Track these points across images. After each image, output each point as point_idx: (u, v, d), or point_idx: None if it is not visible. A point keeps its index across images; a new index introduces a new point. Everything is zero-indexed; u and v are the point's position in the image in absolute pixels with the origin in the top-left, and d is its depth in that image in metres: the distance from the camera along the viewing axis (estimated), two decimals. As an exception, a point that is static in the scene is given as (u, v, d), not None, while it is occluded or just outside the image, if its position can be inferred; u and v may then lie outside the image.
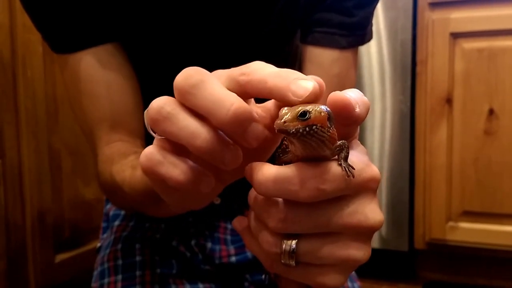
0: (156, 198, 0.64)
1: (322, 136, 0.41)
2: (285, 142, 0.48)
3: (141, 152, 0.79)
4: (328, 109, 0.42)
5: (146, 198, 0.70)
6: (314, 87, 0.42)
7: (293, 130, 0.39)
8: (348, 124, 0.46)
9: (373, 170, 0.47)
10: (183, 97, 0.44)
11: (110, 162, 0.82)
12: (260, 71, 0.44)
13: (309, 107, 0.40)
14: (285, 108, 0.41)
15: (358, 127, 0.49)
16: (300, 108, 0.40)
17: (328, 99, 0.44)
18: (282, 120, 0.40)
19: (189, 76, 0.44)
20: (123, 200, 0.85)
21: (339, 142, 0.43)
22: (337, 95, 0.44)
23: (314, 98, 0.42)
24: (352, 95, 0.45)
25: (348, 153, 0.44)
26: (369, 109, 0.47)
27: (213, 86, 0.43)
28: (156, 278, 0.96)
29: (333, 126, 0.42)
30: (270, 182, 0.44)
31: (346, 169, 0.43)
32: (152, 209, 0.78)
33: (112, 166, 0.81)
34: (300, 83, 0.42)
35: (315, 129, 0.40)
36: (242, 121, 0.42)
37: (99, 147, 0.87)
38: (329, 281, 0.47)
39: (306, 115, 0.39)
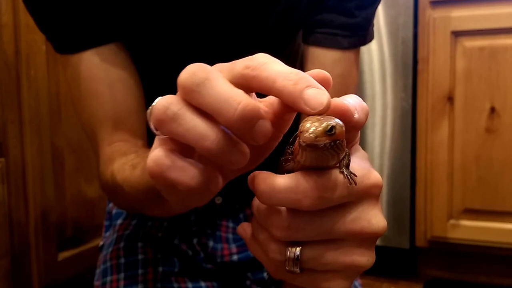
0: (157, 197, 0.65)
1: (340, 150, 0.42)
2: (288, 151, 0.48)
3: (141, 151, 0.79)
4: (342, 122, 0.42)
5: (147, 197, 0.70)
6: (328, 101, 0.41)
7: (322, 145, 0.40)
8: (347, 130, 0.46)
9: (375, 176, 0.47)
10: (188, 96, 0.42)
11: (110, 162, 0.83)
12: (267, 67, 0.43)
13: (332, 122, 0.40)
14: (308, 120, 0.41)
15: (359, 132, 0.50)
16: (326, 124, 0.40)
17: None
18: (314, 135, 0.40)
19: (193, 73, 0.42)
20: (124, 200, 0.86)
21: None
22: (335, 102, 0.44)
23: (327, 110, 0.42)
24: (350, 101, 0.45)
25: (349, 160, 0.45)
26: (368, 114, 0.47)
27: (219, 83, 0.41)
28: (158, 277, 0.96)
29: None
30: (274, 192, 0.44)
31: (348, 176, 0.44)
32: (153, 208, 0.79)
33: (113, 165, 0.82)
34: (314, 95, 0.41)
35: (338, 144, 0.41)
36: (250, 119, 0.40)
37: (101, 147, 0.88)
38: (334, 287, 0.47)
39: (333, 130, 0.40)
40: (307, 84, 0.42)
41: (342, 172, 0.44)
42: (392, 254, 2.46)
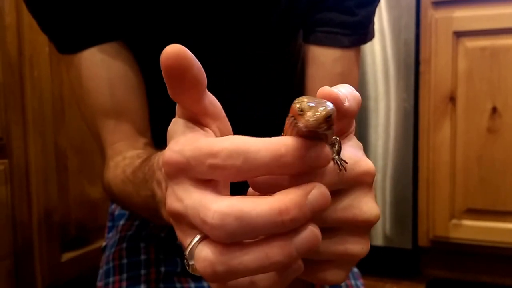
0: (155, 216, 0.66)
1: (332, 134, 0.41)
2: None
3: (134, 156, 0.81)
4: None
5: (146, 212, 0.72)
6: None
7: (321, 131, 0.39)
8: (338, 118, 0.45)
9: (367, 164, 0.46)
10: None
11: (107, 170, 0.85)
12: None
13: (329, 109, 0.39)
14: (303, 102, 0.39)
15: (354, 122, 0.49)
16: (326, 110, 0.38)
17: (317, 94, 0.43)
18: (317, 122, 0.38)
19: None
20: (124, 207, 0.87)
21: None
22: (325, 90, 0.43)
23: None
24: (342, 90, 0.44)
25: (340, 147, 0.44)
26: (360, 103, 0.46)
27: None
28: (160, 277, 0.97)
29: None
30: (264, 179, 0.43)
31: (338, 163, 0.43)
32: (153, 220, 0.80)
33: (108, 175, 0.83)
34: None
35: (331, 129, 0.40)
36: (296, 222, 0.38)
37: (104, 148, 0.89)
38: (330, 277, 0.47)
39: (331, 117, 0.39)
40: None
41: (333, 159, 0.43)
42: (395, 254, 2.46)
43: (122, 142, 0.88)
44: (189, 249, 0.40)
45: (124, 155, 0.83)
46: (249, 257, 0.38)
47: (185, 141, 0.41)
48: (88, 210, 2.14)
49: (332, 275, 0.47)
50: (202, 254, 0.39)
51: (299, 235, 0.38)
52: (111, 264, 1.00)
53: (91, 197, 2.15)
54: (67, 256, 2.05)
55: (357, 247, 0.46)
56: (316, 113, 0.38)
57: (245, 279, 0.40)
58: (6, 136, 1.77)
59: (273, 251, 0.38)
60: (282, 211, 0.37)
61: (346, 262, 0.47)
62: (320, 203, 0.38)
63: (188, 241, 0.41)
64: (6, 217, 1.76)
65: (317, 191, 0.38)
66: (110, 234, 1.11)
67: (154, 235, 1.03)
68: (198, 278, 0.99)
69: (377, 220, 0.47)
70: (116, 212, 1.11)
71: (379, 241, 2.44)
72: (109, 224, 1.14)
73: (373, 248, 2.53)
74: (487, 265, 2.38)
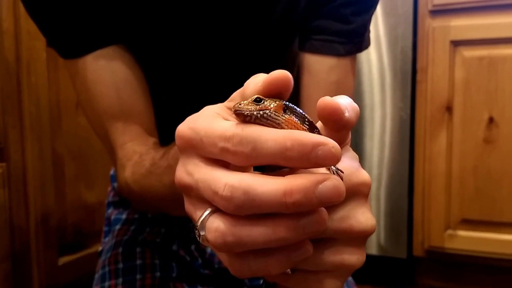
0: (180, 202, 0.67)
1: (276, 119, 0.41)
2: None
3: (154, 153, 0.81)
4: (287, 102, 0.43)
5: (169, 202, 0.72)
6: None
7: (247, 113, 0.40)
8: (338, 129, 0.46)
9: (363, 174, 0.47)
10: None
11: (122, 169, 0.85)
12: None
13: (257, 95, 0.41)
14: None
15: (350, 133, 0.50)
16: (257, 96, 0.41)
17: (317, 104, 0.44)
18: (238, 104, 0.41)
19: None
20: (144, 205, 0.87)
21: None
22: (326, 101, 0.43)
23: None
24: (341, 100, 0.45)
25: None
26: (358, 114, 0.47)
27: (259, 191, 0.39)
28: (156, 282, 0.97)
29: (293, 117, 0.43)
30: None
31: (334, 173, 0.44)
32: (176, 210, 0.80)
33: (124, 173, 0.84)
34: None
35: (269, 113, 0.41)
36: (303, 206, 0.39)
37: (115, 150, 0.89)
38: (326, 287, 0.47)
39: (261, 101, 0.41)
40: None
41: (329, 169, 0.44)
42: (390, 263, 2.46)
43: (132, 142, 0.88)
44: (200, 220, 0.43)
45: (140, 152, 0.84)
46: (257, 231, 0.40)
47: (200, 119, 0.44)
48: (84, 215, 2.15)
49: (329, 285, 0.47)
50: (214, 225, 0.41)
51: (306, 217, 0.40)
52: (107, 269, 1.00)
53: (88, 202, 2.16)
54: (63, 260, 2.05)
55: (353, 257, 0.47)
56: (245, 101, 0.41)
57: (258, 263, 0.42)
58: (3, 140, 1.78)
59: (280, 228, 0.40)
60: (286, 193, 0.38)
61: (342, 273, 0.47)
62: (331, 195, 0.39)
63: (199, 213, 0.44)
64: (4, 221, 1.77)
65: (329, 183, 0.39)
66: (106, 239, 1.11)
67: (150, 240, 1.03)
68: (193, 284, 1.00)
69: (374, 231, 0.47)
70: (112, 217, 1.11)
71: (373, 250, 2.43)
72: (105, 228, 1.14)
73: (368, 257, 2.52)
74: (482, 275, 2.37)
